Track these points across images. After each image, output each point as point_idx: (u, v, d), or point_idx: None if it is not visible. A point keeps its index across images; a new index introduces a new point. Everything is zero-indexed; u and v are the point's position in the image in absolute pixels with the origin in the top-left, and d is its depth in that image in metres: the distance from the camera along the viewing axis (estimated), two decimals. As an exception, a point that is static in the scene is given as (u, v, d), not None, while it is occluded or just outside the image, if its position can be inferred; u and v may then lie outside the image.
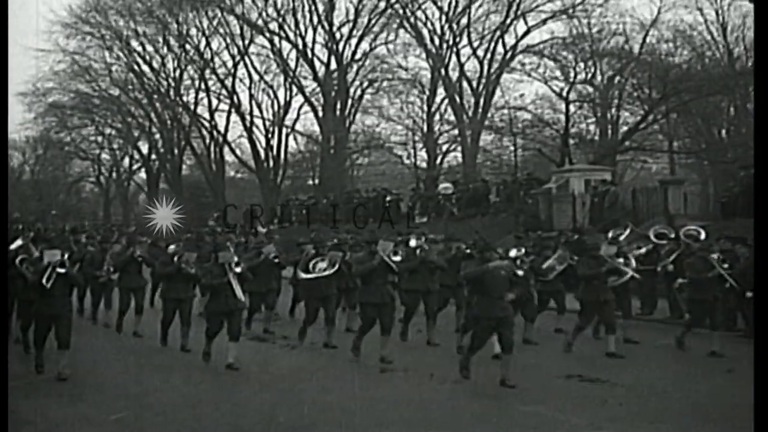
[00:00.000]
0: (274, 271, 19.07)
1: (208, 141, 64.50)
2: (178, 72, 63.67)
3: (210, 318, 14.89)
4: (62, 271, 13.55)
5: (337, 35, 56.76)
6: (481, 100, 52.84)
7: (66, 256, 13.92)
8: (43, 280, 13.41)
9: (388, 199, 43.58)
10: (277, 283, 19.72)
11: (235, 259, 14.94)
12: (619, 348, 15.56)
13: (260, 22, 58.04)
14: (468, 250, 17.76)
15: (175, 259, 16.90)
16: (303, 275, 16.41)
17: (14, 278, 15.04)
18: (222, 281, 14.55)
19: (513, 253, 14.58)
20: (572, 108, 50.12)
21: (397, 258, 14.96)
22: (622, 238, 20.15)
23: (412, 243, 17.11)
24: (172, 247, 18.15)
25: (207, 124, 63.77)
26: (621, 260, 16.24)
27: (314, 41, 57.26)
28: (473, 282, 13.15)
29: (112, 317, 19.51)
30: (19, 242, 16.73)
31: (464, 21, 53.59)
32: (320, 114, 58.06)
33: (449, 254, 17.91)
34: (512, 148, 52.25)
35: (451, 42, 53.83)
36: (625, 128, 50.95)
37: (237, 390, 12.92)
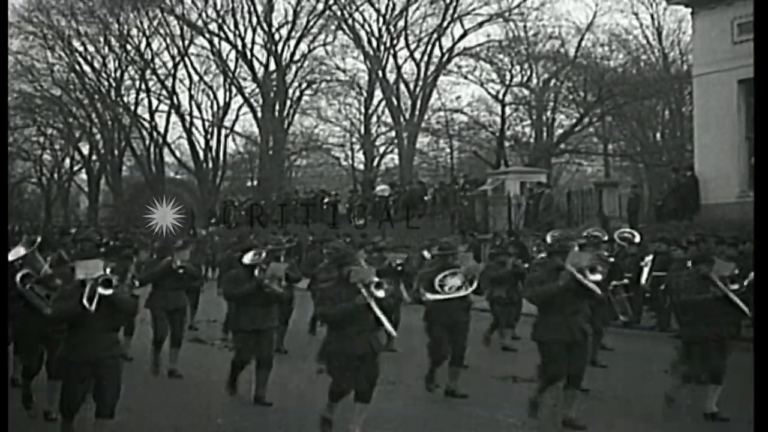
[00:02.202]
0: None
1: (148, 142, 62.32)
2: (118, 72, 61.38)
3: (333, 364, 9.65)
4: (107, 293, 8.43)
5: (276, 36, 55.19)
6: (418, 103, 51.81)
7: (108, 269, 8.74)
8: (85, 303, 8.37)
9: (326, 200, 41.92)
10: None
11: (375, 278, 9.58)
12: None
13: (200, 22, 56.19)
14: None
15: (256, 272, 11.63)
16: (429, 296, 11.85)
17: (16, 303, 10.19)
18: (357, 310, 9.47)
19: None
20: (508, 110, 50.11)
21: (597, 277, 9.92)
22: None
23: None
24: (248, 255, 12.03)
25: (147, 125, 61.67)
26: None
27: (253, 42, 55.69)
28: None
29: (133, 347, 14.60)
30: (20, 250, 10.53)
31: (401, 24, 52.42)
32: (259, 115, 56.52)
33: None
34: (448, 150, 52.25)
35: (388, 44, 52.68)
36: (560, 131, 51.92)
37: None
